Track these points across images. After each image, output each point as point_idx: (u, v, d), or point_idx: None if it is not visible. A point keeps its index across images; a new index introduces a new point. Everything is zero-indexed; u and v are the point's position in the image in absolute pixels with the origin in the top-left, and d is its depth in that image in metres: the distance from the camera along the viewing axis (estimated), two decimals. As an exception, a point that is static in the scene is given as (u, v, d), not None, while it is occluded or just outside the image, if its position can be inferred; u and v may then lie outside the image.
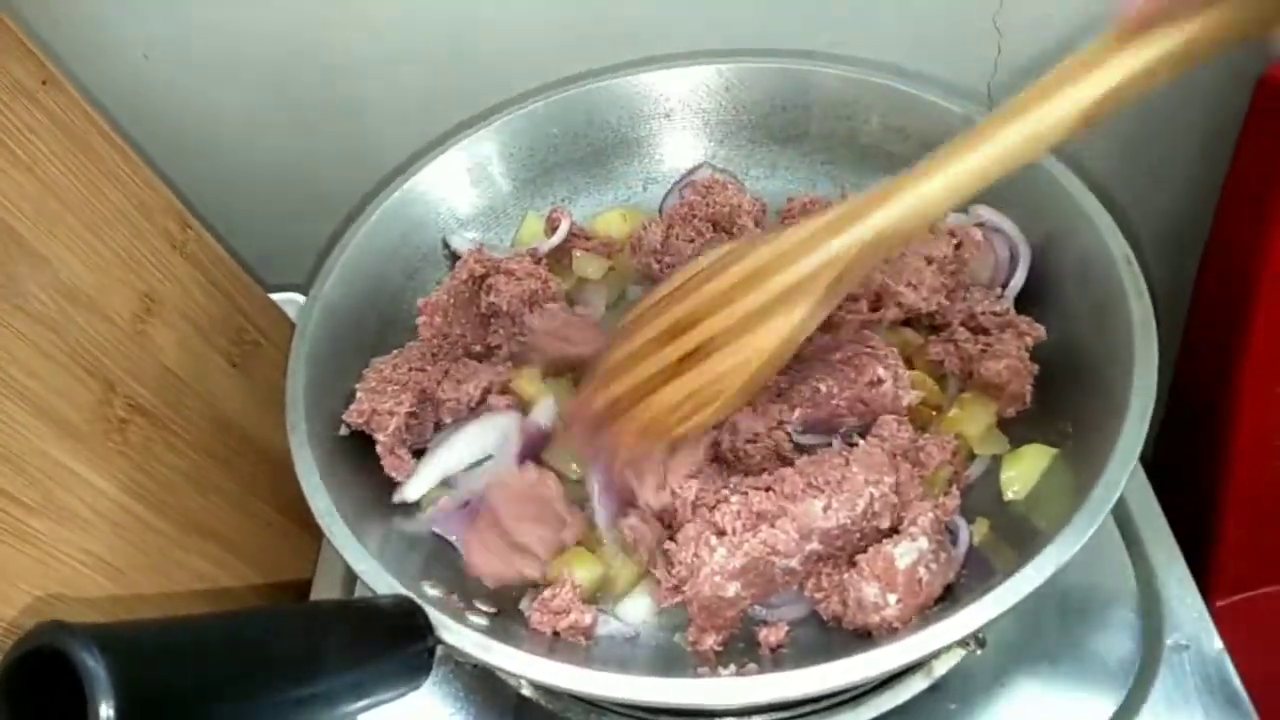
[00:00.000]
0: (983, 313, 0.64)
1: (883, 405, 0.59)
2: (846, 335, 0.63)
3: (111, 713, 0.32)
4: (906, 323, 0.67)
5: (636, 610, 0.58)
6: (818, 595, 0.54)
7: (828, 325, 0.65)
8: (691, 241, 0.71)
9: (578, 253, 0.74)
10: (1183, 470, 0.95)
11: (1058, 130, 0.42)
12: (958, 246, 0.66)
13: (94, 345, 0.62)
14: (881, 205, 0.46)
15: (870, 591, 0.51)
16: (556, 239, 0.73)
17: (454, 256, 0.73)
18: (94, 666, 0.33)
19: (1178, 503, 0.71)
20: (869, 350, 0.61)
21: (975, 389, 0.62)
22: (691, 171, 0.78)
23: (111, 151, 0.67)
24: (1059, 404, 0.60)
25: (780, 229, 0.51)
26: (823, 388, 0.60)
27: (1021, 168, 0.44)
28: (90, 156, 0.65)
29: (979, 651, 0.58)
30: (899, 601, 0.51)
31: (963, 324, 0.64)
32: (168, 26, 0.75)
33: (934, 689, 0.60)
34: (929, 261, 0.64)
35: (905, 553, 0.51)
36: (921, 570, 0.51)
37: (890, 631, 0.51)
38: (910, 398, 0.60)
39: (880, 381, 0.59)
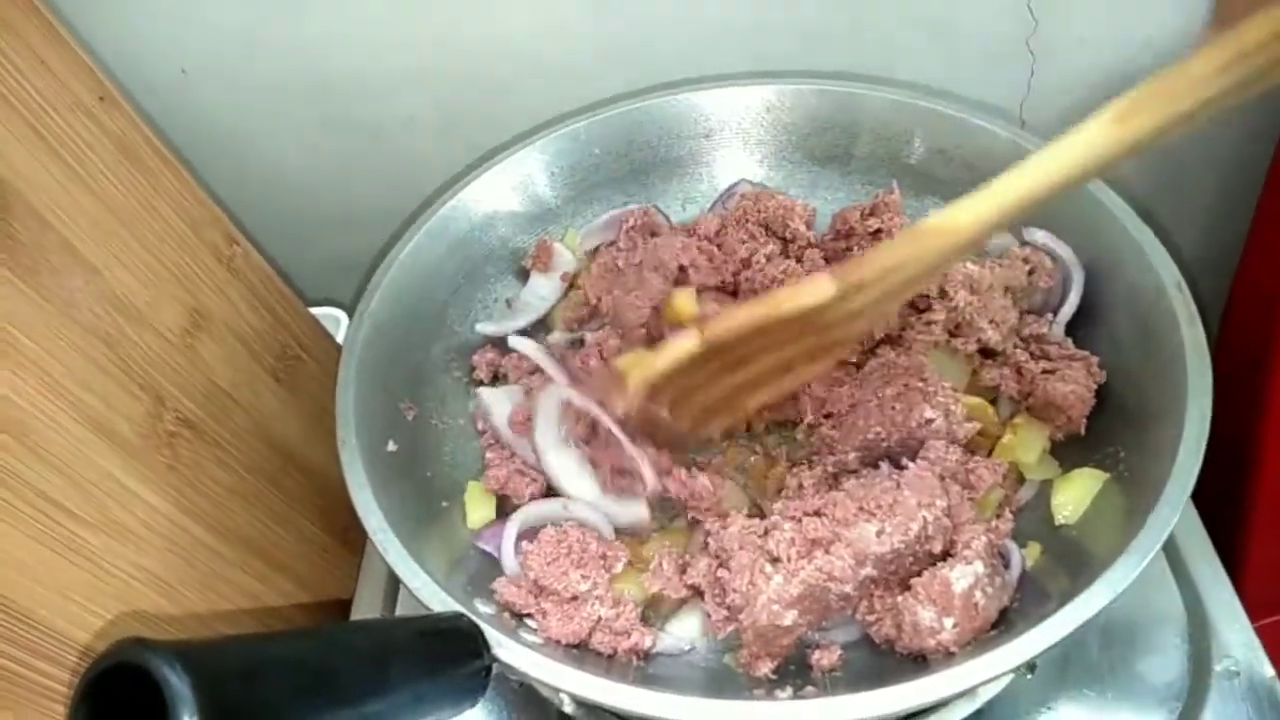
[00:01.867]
0: (1046, 342, 0.64)
1: (937, 439, 0.59)
2: (904, 359, 0.63)
3: (194, 728, 0.32)
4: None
5: (686, 628, 0.58)
6: (870, 618, 0.54)
7: (895, 341, 0.66)
8: (744, 243, 0.71)
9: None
10: (1211, 495, 0.94)
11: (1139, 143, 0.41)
12: (1030, 273, 0.66)
13: (144, 358, 0.62)
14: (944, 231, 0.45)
15: (926, 616, 0.51)
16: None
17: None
18: (177, 684, 0.33)
19: (1208, 525, 0.71)
20: (920, 387, 0.60)
21: (1032, 412, 0.62)
22: (731, 188, 0.78)
23: (163, 167, 0.68)
24: (1108, 429, 0.59)
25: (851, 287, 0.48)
26: (871, 435, 0.60)
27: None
28: (144, 172, 0.66)
29: (1029, 676, 0.58)
30: (955, 626, 0.51)
31: (1023, 347, 0.64)
32: (212, 44, 0.76)
33: (979, 713, 0.60)
34: (1007, 291, 0.64)
35: (961, 576, 0.51)
36: (978, 594, 0.51)
37: (946, 656, 0.51)
38: (966, 431, 0.60)
39: (930, 421, 0.59)
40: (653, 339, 0.68)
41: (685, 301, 0.68)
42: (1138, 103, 0.41)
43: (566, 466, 0.63)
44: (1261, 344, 0.82)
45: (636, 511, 0.62)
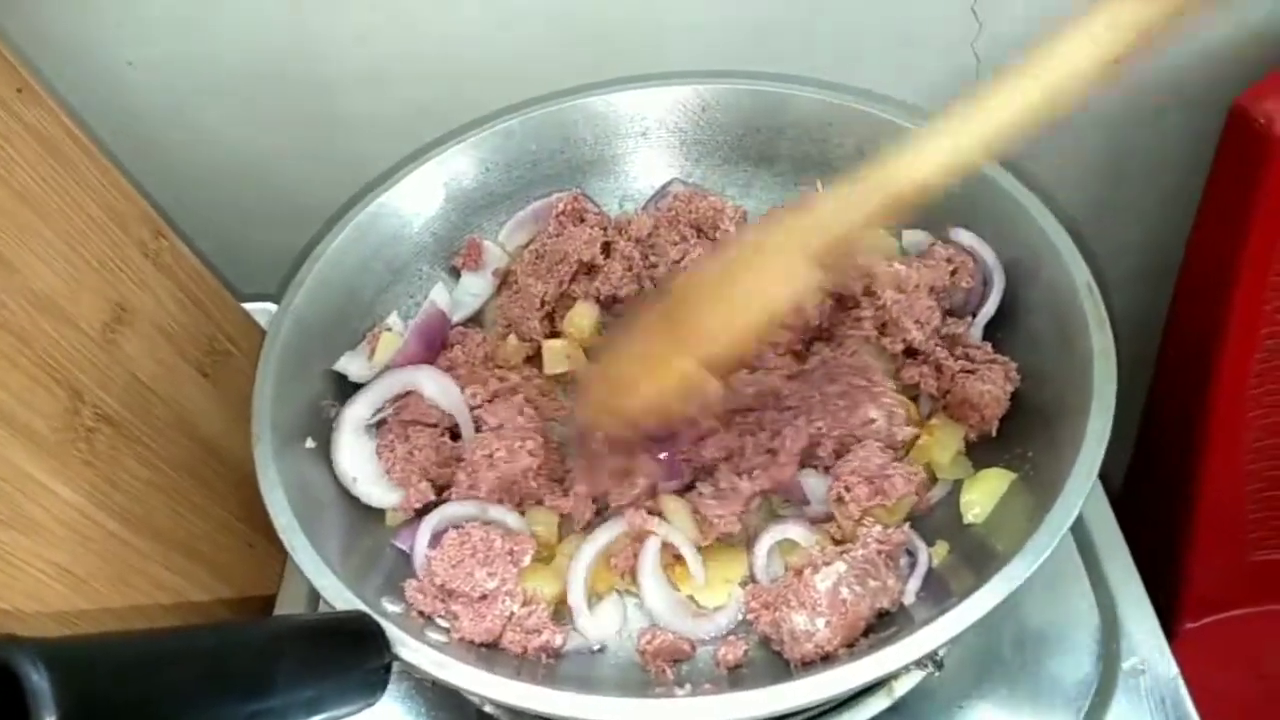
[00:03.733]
0: (965, 344, 0.65)
1: (874, 439, 0.60)
2: (846, 355, 0.63)
3: (53, 728, 0.32)
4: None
5: (601, 625, 0.58)
6: (764, 628, 0.55)
7: (830, 337, 0.66)
8: (675, 244, 0.72)
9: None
10: (1155, 497, 0.96)
11: (1082, 74, 0.42)
12: (953, 273, 0.66)
13: (62, 354, 0.62)
14: (902, 157, 0.47)
15: (800, 620, 0.52)
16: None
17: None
18: (38, 681, 0.33)
19: (1150, 529, 0.72)
20: (865, 386, 0.62)
21: (948, 410, 0.63)
22: (663, 188, 0.78)
23: (86, 160, 0.67)
24: (1020, 429, 0.60)
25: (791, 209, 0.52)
26: (813, 430, 0.61)
27: (1040, 124, 0.43)
28: (64, 164, 0.65)
29: (938, 673, 0.58)
30: (828, 624, 0.52)
31: (943, 345, 0.65)
32: (147, 36, 0.76)
33: (894, 710, 0.60)
34: (931, 291, 0.65)
35: (824, 577, 0.53)
36: (844, 591, 0.53)
37: (824, 658, 0.52)
38: (904, 436, 0.61)
39: (872, 421, 0.60)
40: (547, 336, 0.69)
41: (582, 317, 0.68)
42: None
43: (355, 447, 0.64)
44: (1201, 355, 0.83)
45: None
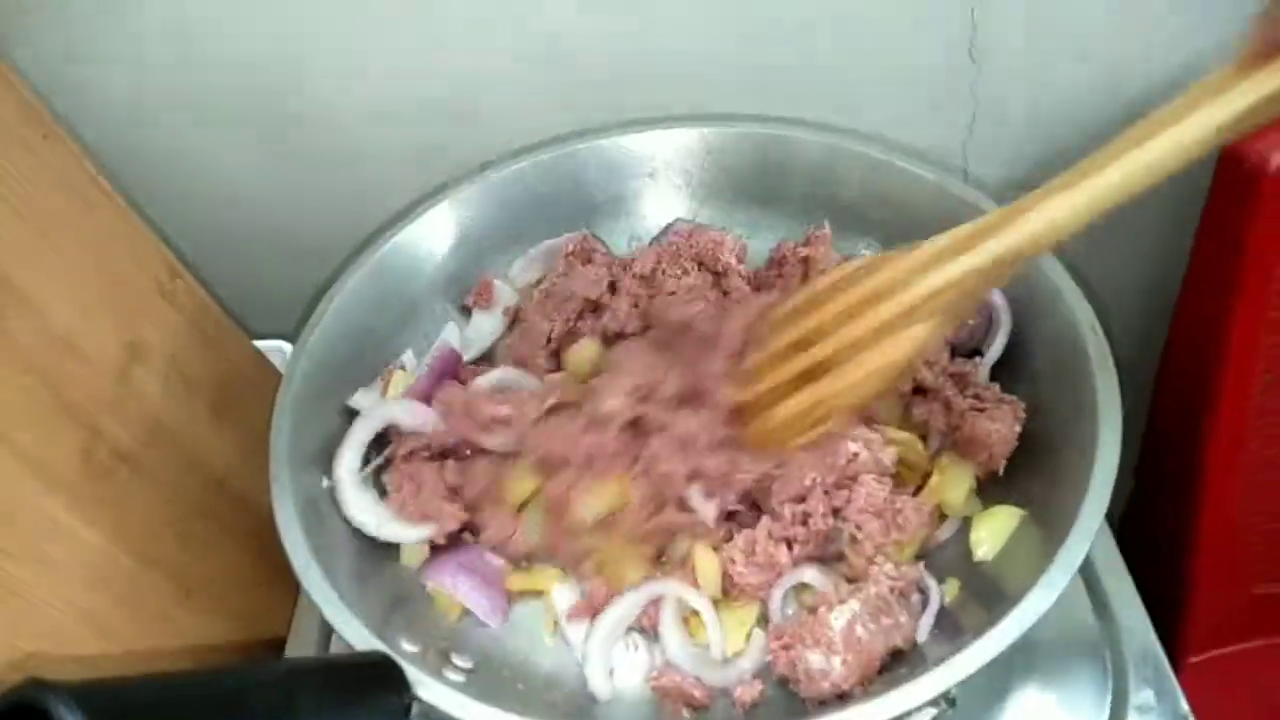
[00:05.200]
0: (973, 384, 0.65)
1: (866, 473, 0.61)
2: None
3: (90, 771, 0.32)
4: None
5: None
6: (781, 669, 0.56)
7: None
8: (678, 278, 0.73)
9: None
10: (1154, 531, 0.96)
11: (1185, 151, 0.42)
12: None
13: (81, 393, 0.62)
14: (1006, 227, 0.47)
15: (815, 659, 0.53)
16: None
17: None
18: (73, 724, 0.34)
19: (1152, 562, 0.72)
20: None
21: (957, 449, 0.63)
22: (668, 227, 0.80)
23: (106, 202, 0.68)
24: (1028, 467, 0.61)
25: (902, 251, 0.51)
26: (807, 482, 0.61)
27: (1143, 191, 0.44)
28: (86, 207, 0.66)
29: (950, 711, 0.59)
30: (844, 663, 0.52)
31: (950, 382, 0.66)
32: (159, 73, 0.76)
33: (905, 748, 0.60)
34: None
35: (838, 615, 0.54)
36: (859, 630, 0.53)
37: (840, 697, 0.52)
38: (889, 456, 0.61)
39: (856, 456, 0.61)
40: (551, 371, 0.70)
41: (585, 352, 0.69)
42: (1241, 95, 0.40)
43: (361, 497, 0.64)
44: (1199, 389, 0.84)
45: None
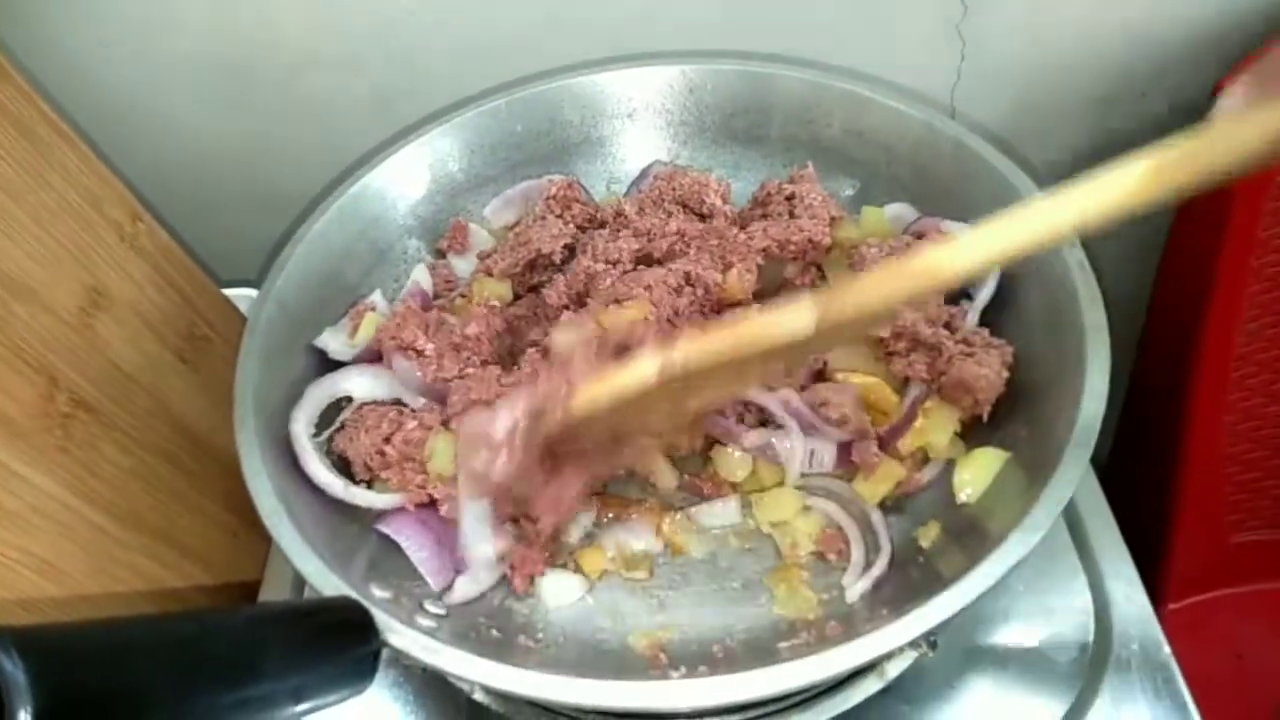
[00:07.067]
0: (962, 329, 0.64)
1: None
2: None
3: (29, 718, 0.31)
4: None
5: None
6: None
7: None
8: (664, 222, 0.71)
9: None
10: (1137, 479, 0.96)
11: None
12: None
13: (37, 339, 0.60)
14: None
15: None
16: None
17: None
18: (12, 670, 0.32)
19: (1132, 510, 0.72)
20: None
21: (942, 393, 0.62)
22: (645, 170, 0.78)
23: (60, 142, 0.65)
24: (1014, 409, 0.60)
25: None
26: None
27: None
28: (38, 147, 0.63)
29: (931, 654, 0.58)
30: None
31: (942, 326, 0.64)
32: (124, 19, 0.74)
33: (887, 691, 0.60)
34: None
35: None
36: None
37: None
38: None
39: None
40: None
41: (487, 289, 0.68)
42: (1177, 160, 0.39)
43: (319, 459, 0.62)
44: (1184, 339, 0.83)
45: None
